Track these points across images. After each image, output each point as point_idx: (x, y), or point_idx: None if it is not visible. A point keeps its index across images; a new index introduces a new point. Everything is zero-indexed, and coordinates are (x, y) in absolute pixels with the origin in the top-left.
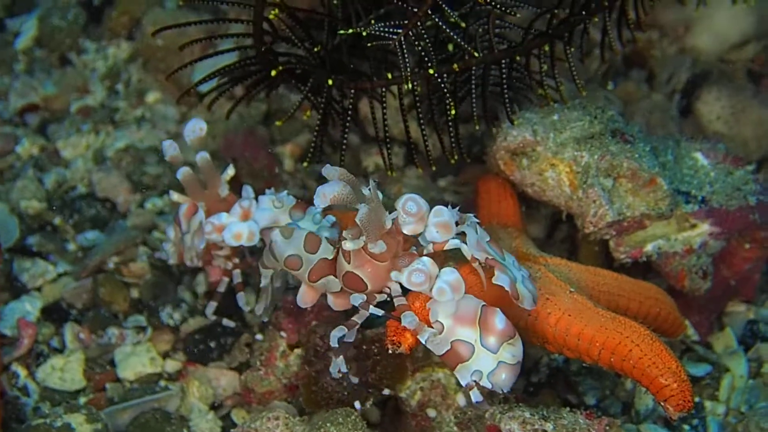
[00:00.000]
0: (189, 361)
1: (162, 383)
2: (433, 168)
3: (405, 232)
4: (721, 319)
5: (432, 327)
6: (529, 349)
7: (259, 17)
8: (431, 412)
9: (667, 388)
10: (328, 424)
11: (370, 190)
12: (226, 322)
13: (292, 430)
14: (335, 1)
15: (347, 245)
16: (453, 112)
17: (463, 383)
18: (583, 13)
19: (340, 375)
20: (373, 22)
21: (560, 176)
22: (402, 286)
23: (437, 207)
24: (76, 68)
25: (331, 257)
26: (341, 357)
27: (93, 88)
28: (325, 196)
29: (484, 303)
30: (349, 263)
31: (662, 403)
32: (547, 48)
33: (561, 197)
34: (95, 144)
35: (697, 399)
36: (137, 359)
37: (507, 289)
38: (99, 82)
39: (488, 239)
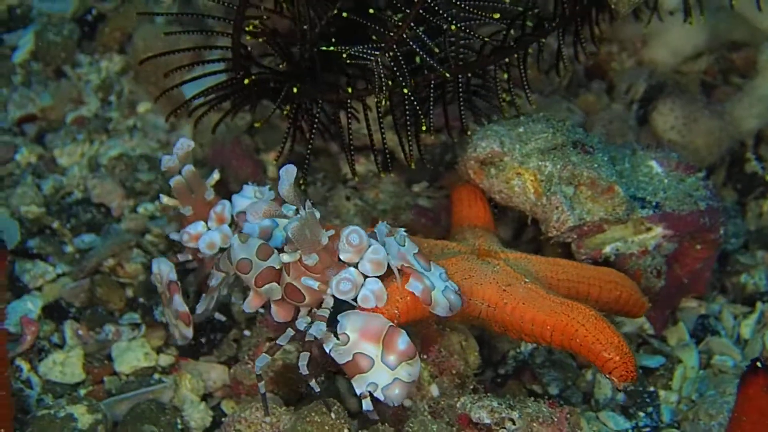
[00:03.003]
0: (181, 355)
1: (156, 376)
2: (412, 166)
3: (342, 258)
4: (675, 314)
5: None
6: (497, 343)
7: (237, 43)
8: (407, 402)
9: (610, 361)
10: (313, 414)
11: (305, 208)
12: (217, 315)
13: (279, 419)
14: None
15: (284, 257)
16: (423, 128)
17: (357, 392)
18: (536, 33)
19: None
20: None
21: (525, 184)
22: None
23: (376, 246)
24: (70, 80)
25: (278, 267)
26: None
27: (87, 99)
28: (256, 213)
29: (391, 324)
30: (289, 275)
31: (608, 376)
32: (508, 61)
33: (526, 203)
34: (90, 152)
35: (651, 388)
36: (133, 354)
37: (417, 294)
38: (93, 93)
39: (416, 251)
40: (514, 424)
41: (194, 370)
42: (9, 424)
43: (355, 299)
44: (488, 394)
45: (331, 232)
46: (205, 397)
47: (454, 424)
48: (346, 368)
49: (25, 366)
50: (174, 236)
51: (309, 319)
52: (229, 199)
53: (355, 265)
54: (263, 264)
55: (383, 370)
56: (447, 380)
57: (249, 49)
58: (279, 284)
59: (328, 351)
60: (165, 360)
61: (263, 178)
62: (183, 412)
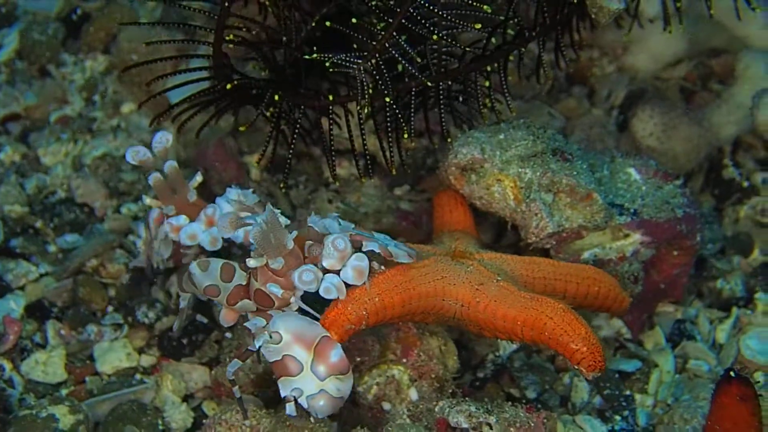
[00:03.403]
0: (163, 356)
1: (138, 377)
2: (394, 172)
3: (324, 264)
4: (652, 319)
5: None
6: (475, 346)
7: (218, 52)
8: (386, 405)
9: (578, 352)
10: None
11: (266, 214)
12: (199, 317)
13: (259, 421)
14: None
15: (250, 263)
16: (405, 136)
17: (282, 394)
18: (516, 41)
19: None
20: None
21: (505, 191)
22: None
23: (359, 254)
24: (55, 80)
25: (244, 282)
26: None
27: (71, 98)
28: (225, 227)
29: (327, 334)
30: (257, 281)
31: (576, 367)
32: (489, 68)
33: (506, 209)
34: (74, 152)
35: (627, 392)
36: (114, 354)
37: (377, 251)
38: (77, 93)
39: (353, 227)
40: (491, 428)
41: (176, 371)
42: None
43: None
44: (466, 398)
45: (294, 233)
46: (187, 398)
47: (433, 428)
48: (274, 368)
49: (7, 365)
50: (134, 263)
51: (263, 321)
52: (213, 201)
53: (337, 272)
54: (230, 285)
55: (311, 379)
56: (426, 384)
57: (229, 58)
58: (250, 299)
59: (257, 346)
60: (147, 361)
61: (247, 180)
62: (164, 412)
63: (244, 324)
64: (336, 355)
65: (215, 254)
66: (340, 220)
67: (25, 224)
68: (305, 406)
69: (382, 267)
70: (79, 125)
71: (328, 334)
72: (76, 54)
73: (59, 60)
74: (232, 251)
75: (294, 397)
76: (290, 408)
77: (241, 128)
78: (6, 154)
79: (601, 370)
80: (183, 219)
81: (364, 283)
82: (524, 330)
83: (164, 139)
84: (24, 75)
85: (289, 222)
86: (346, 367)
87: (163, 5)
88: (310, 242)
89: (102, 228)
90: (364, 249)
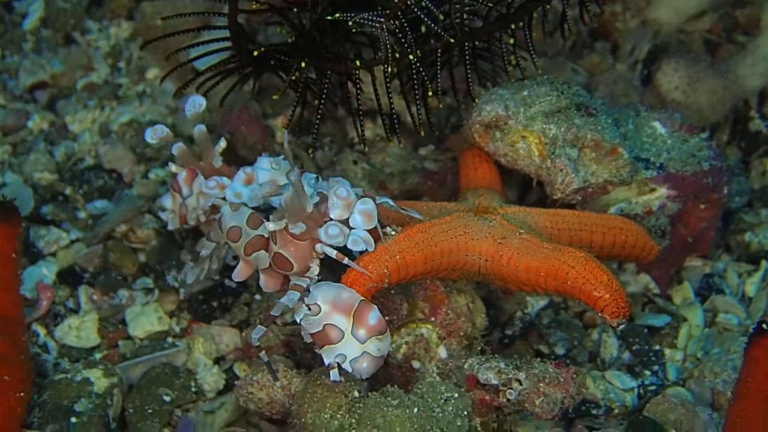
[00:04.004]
0: (193, 319)
1: (169, 340)
2: (422, 134)
3: (332, 216)
4: (680, 274)
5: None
6: (503, 304)
7: (233, 23)
8: (416, 364)
9: (601, 300)
10: (324, 376)
11: (294, 176)
12: (228, 282)
13: (290, 381)
14: None
15: (270, 226)
16: (430, 94)
17: (326, 362)
18: None
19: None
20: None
21: (530, 147)
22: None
23: (364, 197)
24: (80, 47)
25: (266, 236)
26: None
27: (97, 65)
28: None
29: (363, 299)
30: (275, 244)
31: (600, 314)
32: (513, 26)
33: (531, 166)
34: (101, 118)
35: (656, 347)
36: (146, 318)
37: (391, 204)
38: (102, 60)
39: (359, 190)
40: (521, 384)
41: (206, 333)
42: (28, 387)
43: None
44: (495, 355)
45: (316, 199)
46: (218, 360)
47: (462, 385)
48: (315, 338)
49: (41, 331)
50: (203, 187)
51: (298, 293)
52: (238, 165)
53: (346, 222)
54: (253, 232)
55: (353, 343)
56: (455, 342)
57: (245, 29)
58: (267, 252)
59: (298, 320)
60: (178, 324)
61: (271, 142)
62: (196, 375)
63: (280, 300)
64: (374, 317)
65: None
66: (348, 185)
67: (55, 191)
68: (349, 370)
69: (399, 228)
70: (105, 92)
71: (363, 299)
72: (100, 21)
73: (84, 27)
74: None
75: (338, 363)
76: (335, 374)
77: (274, 96)
78: (34, 122)
79: (625, 316)
80: (226, 179)
81: (383, 234)
82: (547, 281)
83: (197, 103)
84: (50, 43)
85: (312, 191)
86: (384, 327)
87: None
88: (317, 200)
89: (130, 193)
90: (377, 201)
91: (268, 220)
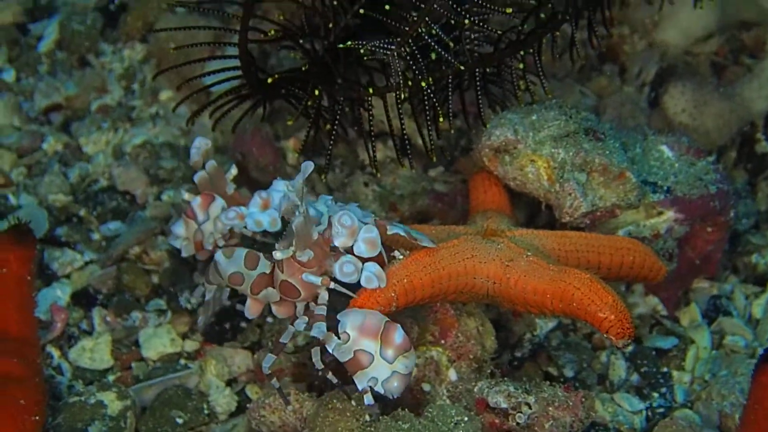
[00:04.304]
0: (206, 341)
1: (182, 362)
2: (434, 159)
3: (336, 244)
4: (687, 295)
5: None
6: (513, 326)
7: (244, 51)
8: (426, 386)
9: (606, 321)
10: (335, 401)
11: (301, 205)
12: (239, 306)
13: (302, 404)
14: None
15: (277, 255)
16: (441, 119)
17: (359, 387)
18: (550, 25)
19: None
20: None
21: (539, 171)
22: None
23: (367, 226)
24: (94, 69)
25: (268, 271)
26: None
27: (111, 87)
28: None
29: (387, 319)
30: (282, 272)
31: (606, 335)
32: (522, 53)
33: (540, 190)
34: (114, 140)
35: (664, 369)
36: (159, 340)
37: (402, 234)
38: (116, 82)
39: (372, 215)
40: (530, 408)
41: (219, 355)
42: (43, 410)
43: (357, 283)
44: (505, 378)
45: (322, 227)
46: (230, 382)
47: (472, 408)
48: (347, 366)
49: (55, 353)
50: (223, 219)
51: (307, 318)
52: (250, 186)
53: (350, 250)
54: (254, 273)
55: (382, 365)
56: (465, 365)
57: (254, 59)
58: (274, 287)
59: (330, 351)
60: (190, 346)
61: (283, 164)
62: (209, 396)
63: (290, 326)
64: (400, 336)
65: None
66: (357, 208)
67: (69, 213)
68: (381, 391)
69: (407, 252)
70: (119, 114)
71: (388, 319)
72: (114, 43)
73: (98, 50)
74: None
75: (371, 387)
76: (368, 398)
77: (289, 122)
78: (49, 144)
79: (630, 337)
80: (242, 208)
81: (392, 258)
82: (553, 302)
83: (203, 144)
84: (64, 65)
85: (325, 211)
86: (409, 344)
87: None
88: (322, 227)
89: (144, 215)
90: (388, 232)
91: (268, 252)
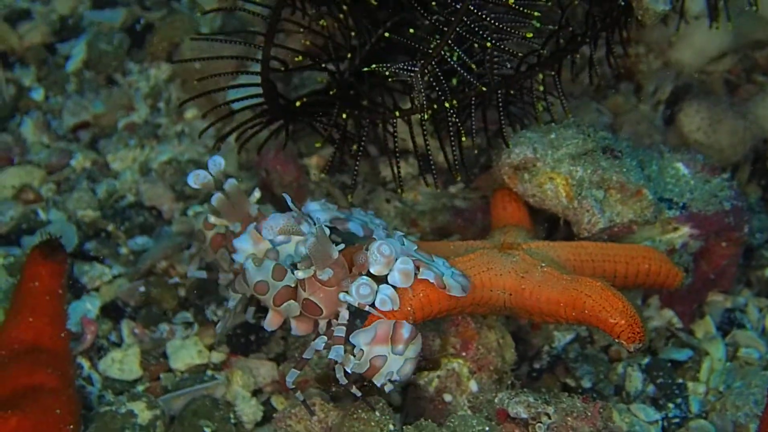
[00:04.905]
0: (232, 352)
1: (209, 373)
2: (458, 178)
3: (372, 270)
4: (702, 309)
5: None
6: (531, 338)
7: (266, 78)
8: (447, 397)
9: (617, 326)
10: (360, 411)
11: (316, 225)
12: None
13: (327, 414)
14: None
15: (299, 274)
16: (464, 138)
17: (377, 384)
18: (569, 47)
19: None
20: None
21: (558, 188)
22: (349, 312)
23: (404, 257)
24: (121, 88)
25: (293, 285)
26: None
27: (137, 106)
28: (272, 228)
29: (395, 321)
30: (304, 291)
31: (618, 340)
32: (541, 76)
33: (559, 206)
34: (141, 157)
35: (680, 380)
36: (186, 352)
37: (431, 281)
38: (142, 100)
39: (415, 248)
40: (549, 418)
41: (245, 366)
42: (77, 420)
43: (372, 304)
44: (524, 389)
45: (341, 246)
46: (256, 393)
47: (493, 418)
48: (366, 375)
49: (86, 364)
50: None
51: (326, 338)
52: (274, 205)
53: (384, 278)
54: (279, 284)
55: (396, 359)
56: (485, 376)
57: (276, 86)
58: (296, 301)
59: (349, 371)
60: (217, 357)
61: (306, 181)
62: (236, 407)
63: (329, 356)
64: (407, 330)
65: None
66: (404, 239)
67: (98, 228)
68: (398, 379)
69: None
70: (146, 131)
71: (390, 321)
72: (140, 63)
73: (125, 69)
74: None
75: (389, 380)
76: (389, 387)
77: (317, 144)
78: (77, 161)
79: (641, 341)
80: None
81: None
82: (567, 311)
83: (218, 163)
84: (92, 84)
85: (366, 222)
86: (415, 331)
87: (223, 16)
88: (342, 247)
89: (170, 230)
90: (419, 276)
91: (295, 268)
